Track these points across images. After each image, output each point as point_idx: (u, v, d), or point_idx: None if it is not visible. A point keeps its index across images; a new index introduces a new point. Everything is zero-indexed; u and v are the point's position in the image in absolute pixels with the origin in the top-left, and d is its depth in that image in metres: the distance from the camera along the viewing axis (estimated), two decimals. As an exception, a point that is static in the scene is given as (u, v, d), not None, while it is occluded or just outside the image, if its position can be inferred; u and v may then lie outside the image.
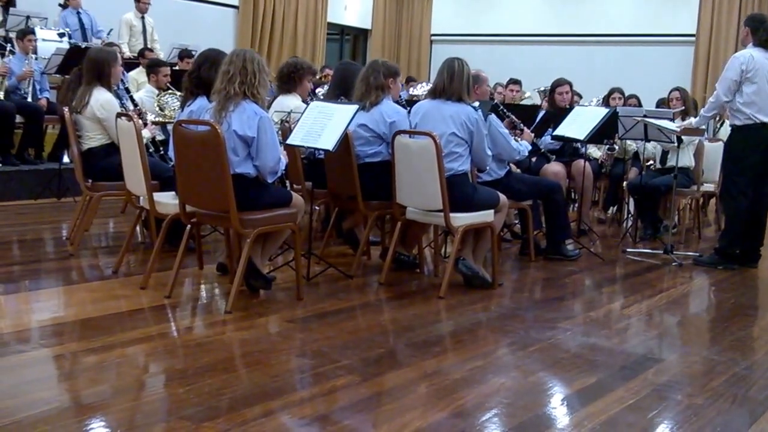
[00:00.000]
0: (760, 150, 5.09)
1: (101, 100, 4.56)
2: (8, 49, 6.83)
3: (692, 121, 6.23)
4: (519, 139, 5.08)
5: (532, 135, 5.37)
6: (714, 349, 3.55)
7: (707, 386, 3.01)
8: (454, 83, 4.14)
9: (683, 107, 6.29)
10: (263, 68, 3.62)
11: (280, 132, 4.29)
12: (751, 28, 5.15)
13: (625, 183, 6.67)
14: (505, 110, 5.19)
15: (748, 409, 2.81)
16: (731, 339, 3.74)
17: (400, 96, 4.88)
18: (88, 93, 4.57)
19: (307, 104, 4.30)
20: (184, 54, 7.90)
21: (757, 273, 5.24)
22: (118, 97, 4.86)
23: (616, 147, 6.69)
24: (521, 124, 5.27)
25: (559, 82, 6.21)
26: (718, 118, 7.76)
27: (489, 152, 4.33)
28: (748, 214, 5.21)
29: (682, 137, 5.60)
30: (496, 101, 5.37)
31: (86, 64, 4.64)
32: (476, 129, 4.16)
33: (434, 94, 4.28)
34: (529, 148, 5.04)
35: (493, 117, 4.72)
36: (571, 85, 6.24)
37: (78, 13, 8.46)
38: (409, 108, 4.58)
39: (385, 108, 4.35)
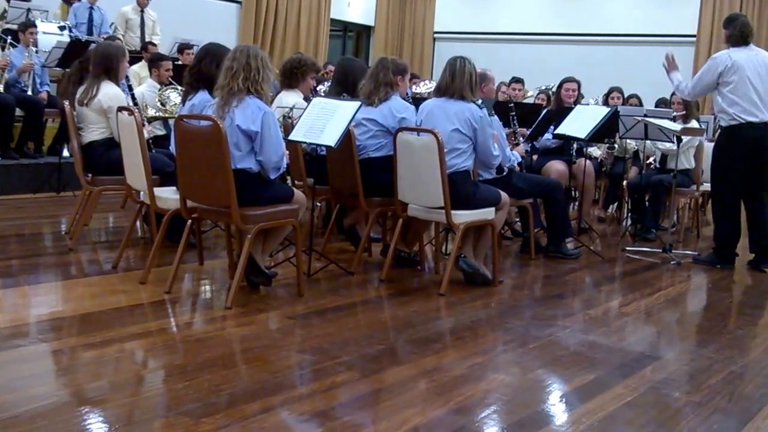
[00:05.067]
0: (746, 149, 5.06)
1: (110, 93, 4.56)
2: (8, 41, 6.82)
3: (694, 124, 6.23)
4: (513, 149, 5.10)
5: (525, 150, 5.40)
6: (711, 348, 3.56)
7: (704, 384, 3.02)
8: (456, 81, 4.16)
9: (684, 111, 6.28)
10: (267, 64, 3.62)
11: (282, 128, 4.29)
12: (727, 27, 5.15)
13: (625, 182, 6.67)
14: (515, 117, 5.21)
15: (744, 406, 2.82)
16: (728, 337, 3.75)
17: (407, 93, 4.89)
18: (95, 86, 4.57)
19: (309, 101, 4.30)
20: (184, 47, 7.89)
21: (754, 272, 5.24)
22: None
23: (616, 146, 6.70)
24: (520, 138, 5.30)
25: (567, 79, 6.26)
26: (717, 119, 7.75)
27: (496, 152, 4.33)
28: (737, 214, 5.20)
29: (682, 137, 5.60)
30: (512, 104, 5.39)
31: (95, 58, 4.65)
32: (480, 126, 4.18)
33: (438, 92, 4.32)
34: (519, 160, 5.08)
35: (495, 119, 4.73)
36: (579, 84, 6.26)
37: (91, 8, 8.44)
38: (414, 105, 4.59)
39: (394, 103, 4.39)
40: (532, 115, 5.90)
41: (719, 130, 5.29)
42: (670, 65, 5.42)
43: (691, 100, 5.31)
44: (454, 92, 4.17)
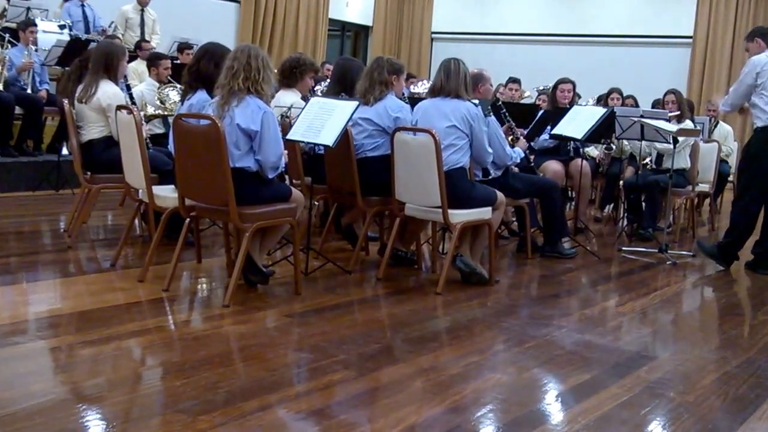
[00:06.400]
0: None
1: (109, 92, 4.57)
2: (6, 38, 6.82)
3: (689, 124, 6.24)
4: (514, 145, 5.10)
5: (527, 145, 5.39)
6: (706, 348, 3.58)
7: (699, 384, 3.04)
8: (451, 81, 4.21)
9: (678, 111, 6.30)
10: (267, 64, 3.63)
11: (280, 127, 4.31)
12: (763, 35, 5.11)
13: (621, 182, 6.70)
14: (506, 113, 5.21)
15: (739, 407, 2.83)
16: (723, 338, 3.77)
17: (402, 93, 4.91)
18: (95, 84, 4.58)
19: (307, 101, 4.32)
20: (183, 46, 7.91)
21: (750, 273, 5.26)
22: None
23: (614, 146, 6.72)
24: (519, 132, 5.30)
25: (562, 80, 6.28)
26: (712, 120, 7.79)
27: (490, 150, 4.37)
28: (754, 217, 5.19)
29: (678, 138, 5.62)
30: (500, 102, 5.39)
31: (95, 56, 4.66)
32: (476, 123, 4.22)
33: (433, 93, 4.36)
34: (522, 155, 5.08)
35: (493, 119, 4.75)
36: (574, 85, 6.28)
37: (82, 5, 8.47)
38: (410, 105, 4.61)
39: (389, 103, 4.41)
40: (522, 115, 5.89)
41: (753, 132, 5.19)
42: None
43: (733, 108, 5.28)
44: (450, 91, 4.22)
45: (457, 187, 4.16)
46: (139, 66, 7.71)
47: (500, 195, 4.44)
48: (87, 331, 3.13)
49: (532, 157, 6.09)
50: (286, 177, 4.59)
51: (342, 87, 4.80)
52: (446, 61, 4.28)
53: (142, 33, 8.96)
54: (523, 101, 7.92)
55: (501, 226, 5.43)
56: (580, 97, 7.56)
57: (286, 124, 4.44)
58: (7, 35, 6.89)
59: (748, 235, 5.24)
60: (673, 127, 5.69)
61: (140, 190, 4.18)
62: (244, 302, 3.69)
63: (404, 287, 4.29)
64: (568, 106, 6.01)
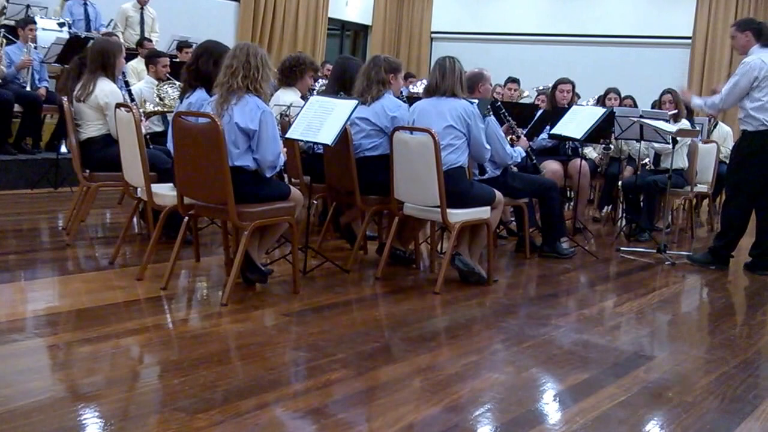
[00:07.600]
0: None
1: (106, 89, 4.57)
2: (2, 34, 6.81)
3: (685, 123, 6.25)
4: (515, 144, 5.09)
5: (528, 144, 5.37)
6: (704, 348, 3.58)
7: (697, 384, 3.04)
8: (446, 79, 4.21)
9: (676, 110, 6.31)
10: (267, 63, 3.63)
11: (279, 126, 4.31)
12: (754, 30, 5.01)
13: (620, 182, 6.70)
14: (506, 113, 5.21)
15: (737, 407, 2.84)
16: (721, 338, 3.77)
17: (401, 92, 4.90)
18: (92, 82, 4.57)
19: (306, 100, 4.32)
20: (182, 45, 7.91)
21: (748, 274, 5.27)
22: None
23: (612, 147, 6.72)
24: (519, 131, 5.28)
25: (561, 80, 6.28)
26: (711, 120, 7.79)
27: (488, 146, 4.37)
28: (748, 220, 5.19)
29: (677, 138, 5.62)
30: (499, 103, 5.37)
31: (91, 54, 4.65)
32: (473, 122, 4.21)
33: (428, 92, 4.35)
34: (523, 154, 5.06)
35: (492, 118, 4.75)
36: (573, 85, 6.28)
37: (84, 3, 8.47)
38: (408, 104, 4.60)
39: (386, 102, 4.40)
40: (527, 116, 5.89)
41: (743, 135, 5.14)
42: (685, 95, 5.51)
43: (725, 109, 5.23)
44: (446, 90, 4.21)
45: (456, 187, 4.16)
46: (138, 65, 7.71)
47: (499, 194, 4.44)
48: (85, 329, 3.13)
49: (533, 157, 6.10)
50: (285, 176, 4.59)
51: (341, 86, 4.80)
52: (441, 59, 4.26)
53: (142, 31, 8.96)
54: (521, 101, 7.93)
55: (499, 225, 5.43)
56: (579, 97, 7.57)
57: (285, 123, 4.44)
58: (2, 30, 6.88)
59: (740, 237, 5.25)
60: (672, 127, 5.69)
61: (139, 189, 4.18)
62: (243, 301, 3.69)
63: (402, 286, 4.29)
64: (567, 106, 6.02)
